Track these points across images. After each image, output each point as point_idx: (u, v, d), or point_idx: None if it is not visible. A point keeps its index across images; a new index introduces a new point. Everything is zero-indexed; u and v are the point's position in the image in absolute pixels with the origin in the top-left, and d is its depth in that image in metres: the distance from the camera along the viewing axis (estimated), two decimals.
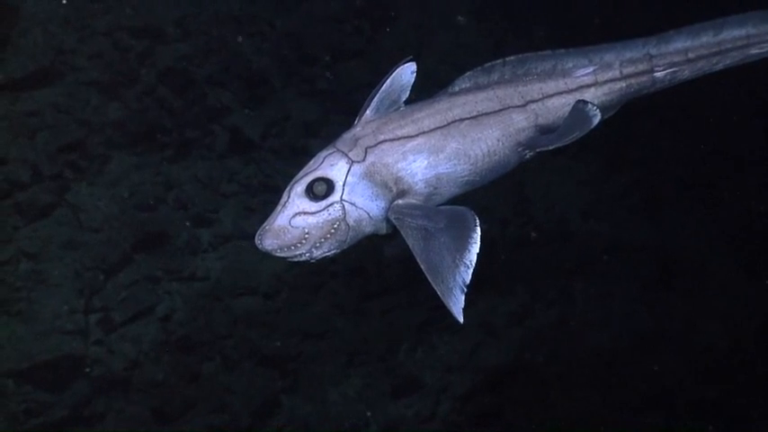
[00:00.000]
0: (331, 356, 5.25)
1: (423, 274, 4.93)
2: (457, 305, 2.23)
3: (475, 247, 2.25)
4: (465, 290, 2.23)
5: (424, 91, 5.67)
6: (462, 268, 2.23)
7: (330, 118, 5.47)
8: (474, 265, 2.23)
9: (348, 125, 5.52)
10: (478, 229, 2.28)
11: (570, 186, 6.35)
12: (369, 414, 5.28)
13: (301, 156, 5.15)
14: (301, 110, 5.37)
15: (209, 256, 5.05)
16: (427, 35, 6.10)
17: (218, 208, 5.09)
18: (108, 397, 4.68)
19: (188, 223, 5.00)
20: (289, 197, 2.44)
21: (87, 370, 4.61)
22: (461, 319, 2.23)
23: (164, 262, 4.91)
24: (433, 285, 2.26)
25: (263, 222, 4.59)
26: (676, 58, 2.71)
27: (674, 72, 2.73)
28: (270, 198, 5.20)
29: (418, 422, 5.42)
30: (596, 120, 2.47)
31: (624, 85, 2.72)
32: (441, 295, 2.25)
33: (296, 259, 2.44)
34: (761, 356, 6.36)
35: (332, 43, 5.53)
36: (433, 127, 2.52)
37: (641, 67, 2.71)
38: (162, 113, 4.93)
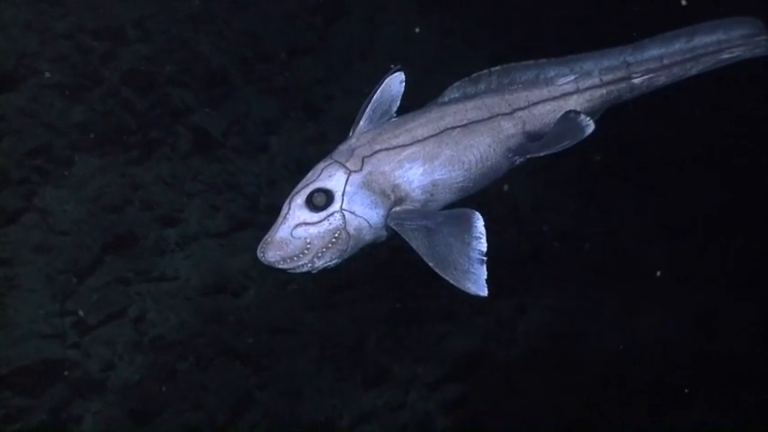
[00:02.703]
0: (302, 351, 5.86)
1: (387, 266, 5.64)
2: (478, 279, 2.45)
3: (480, 222, 2.50)
4: (484, 259, 2.47)
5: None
6: (474, 242, 2.48)
7: (288, 114, 6.13)
8: (485, 234, 2.49)
9: (304, 122, 6.19)
10: (476, 211, 2.53)
11: (520, 175, 7.12)
12: (341, 406, 5.94)
13: (263, 153, 5.83)
14: (261, 107, 6.00)
15: (176, 256, 5.61)
16: (376, 30, 6.83)
17: (183, 207, 5.66)
18: (85, 399, 5.17)
19: (155, 224, 5.56)
20: (289, 209, 2.65)
21: (66, 373, 5.11)
22: (485, 292, 2.46)
23: (133, 263, 5.44)
24: (446, 276, 2.47)
25: (228, 221, 5.23)
26: (652, 65, 3.08)
27: (651, 78, 3.10)
28: (234, 196, 5.82)
29: (388, 412, 6.09)
30: (589, 130, 2.78)
31: (605, 91, 3.09)
32: (456, 282, 2.46)
33: (298, 270, 2.65)
34: (702, 338, 7.25)
35: (287, 40, 6.18)
36: (426, 135, 2.79)
37: (619, 74, 3.09)
38: (126, 115, 5.48)
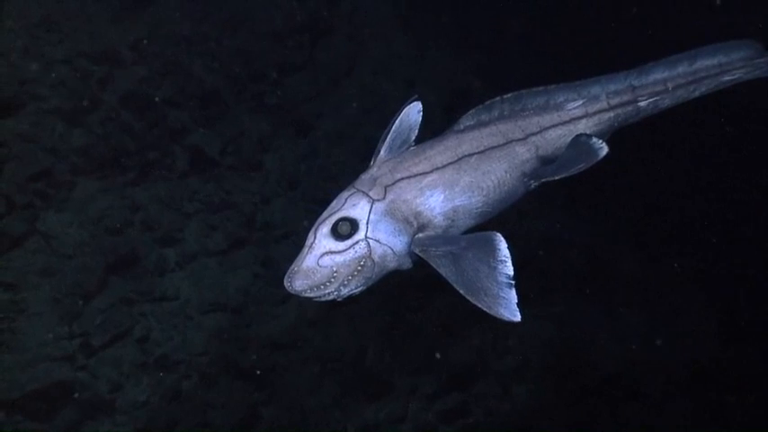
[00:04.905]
0: (304, 366, 6.23)
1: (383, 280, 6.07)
2: (509, 304, 2.59)
3: (503, 244, 2.67)
4: (512, 282, 2.61)
5: (365, 100, 6.85)
6: (500, 266, 2.63)
7: (280, 132, 6.55)
8: (510, 257, 2.65)
9: (296, 139, 6.61)
10: (497, 233, 2.71)
11: None
12: (345, 420, 6.32)
13: (257, 171, 6.23)
14: (254, 126, 6.40)
15: (176, 276, 5.96)
16: (360, 47, 7.30)
17: (181, 227, 6.02)
18: (95, 421, 5.47)
19: (155, 244, 5.92)
20: (315, 238, 2.83)
21: (76, 395, 5.43)
22: (518, 317, 2.59)
23: (136, 284, 5.78)
24: (477, 303, 2.61)
25: (226, 239, 5.60)
26: (657, 88, 3.34)
27: (656, 101, 3.35)
28: (231, 214, 6.20)
29: (391, 424, 6.48)
30: (603, 153, 3.01)
31: (612, 115, 3.34)
32: (488, 309, 2.60)
33: (324, 298, 2.85)
34: (684, 343, 7.74)
35: (277, 58, 6.61)
36: (445, 163, 3.01)
37: (626, 97, 3.33)
38: (124, 137, 5.85)
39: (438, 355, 6.72)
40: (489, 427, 6.85)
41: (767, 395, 7.21)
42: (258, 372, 6.03)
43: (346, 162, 6.74)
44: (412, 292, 6.58)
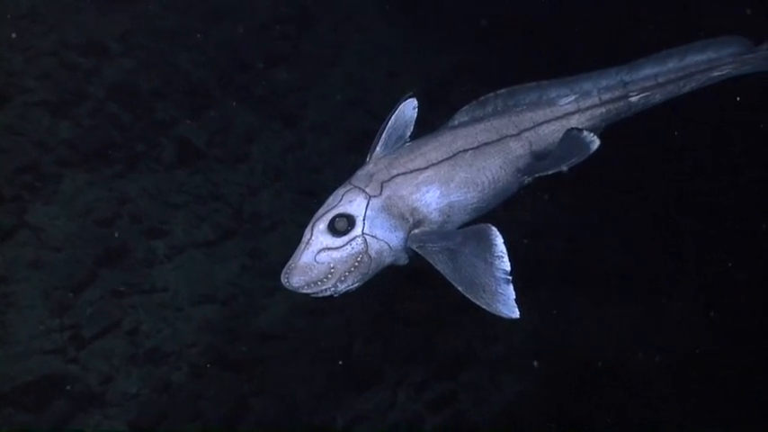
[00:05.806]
0: (294, 357, 6.32)
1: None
2: (507, 301, 2.63)
3: (499, 239, 2.69)
4: (509, 278, 2.64)
5: (349, 91, 6.93)
6: (497, 261, 2.65)
7: (267, 123, 6.64)
8: (506, 252, 2.66)
9: (282, 130, 6.70)
10: (493, 227, 2.72)
11: None
12: (334, 410, 6.42)
13: (244, 162, 6.32)
14: (241, 117, 6.49)
15: (165, 268, 6.03)
16: (344, 38, 7.40)
17: (169, 219, 6.10)
18: (86, 413, 5.55)
19: (143, 236, 6.00)
20: (312, 234, 2.85)
21: (67, 387, 5.51)
22: (516, 314, 2.64)
23: (125, 276, 5.85)
24: (476, 300, 2.64)
25: (214, 231, 5.69)
26: (647, 83, 3.42)
27: (647, 96, 3.43)
28: (218, 206, 6.28)
29: (379, 413, 6.59)
30: (594, 146, 3.05)
31: (604, 110, 3.41)
32: (486, 306, 2.64)
33: (321, 294, 2.87)
34: (662, 331, 7.90)
35: (263, 49, 6.69)
36: (440, 159, 3.04)
37: (617, 93, 3.41)
38: (111, 129, 5.93)
39: (426, 345, 6.83)
40: (477, 416, 6.98)
41: (756, 387, 7.35)
42: (248, 362, 6.11)
43: (331, 153, 6.83)
44: (401, 283, 6.68)
